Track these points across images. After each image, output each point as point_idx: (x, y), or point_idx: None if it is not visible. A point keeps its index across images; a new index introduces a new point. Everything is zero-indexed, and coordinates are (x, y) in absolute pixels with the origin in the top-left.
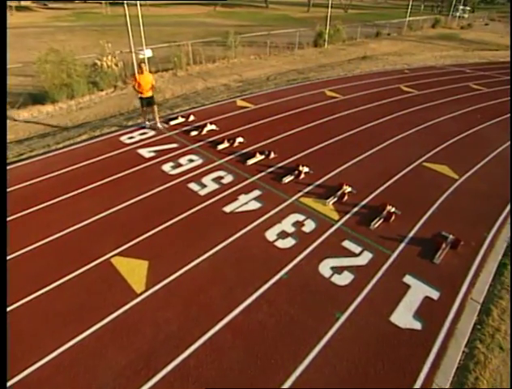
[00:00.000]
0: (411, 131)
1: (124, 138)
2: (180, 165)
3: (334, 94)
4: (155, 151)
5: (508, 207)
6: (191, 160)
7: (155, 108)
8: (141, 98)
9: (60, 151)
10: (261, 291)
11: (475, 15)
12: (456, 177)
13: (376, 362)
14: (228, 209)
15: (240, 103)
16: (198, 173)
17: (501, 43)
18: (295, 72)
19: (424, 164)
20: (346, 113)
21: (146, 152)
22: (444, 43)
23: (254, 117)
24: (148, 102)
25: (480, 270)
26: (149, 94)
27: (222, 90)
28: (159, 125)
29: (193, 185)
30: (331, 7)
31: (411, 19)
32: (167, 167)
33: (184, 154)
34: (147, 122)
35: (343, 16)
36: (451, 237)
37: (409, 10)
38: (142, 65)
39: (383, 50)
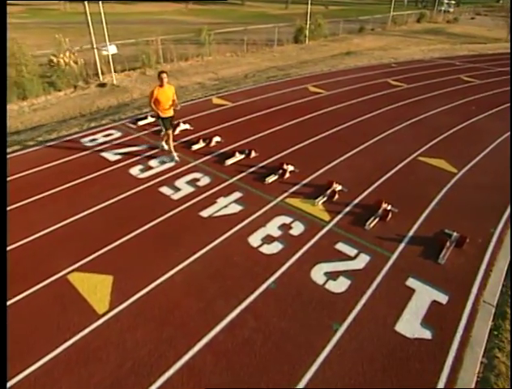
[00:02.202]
0: (402, 125)
1: (85, 141)
2: (150, 168)
3: (318, 90)
4: (121, 154)
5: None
6: (163, 162)
7: (170, 132)
8: (161, 118)
9: (7, 156)
10: (246, 303)
11: (460, 10)
12: (455, 170)
13: (383, 379)
14: (205, 214)
15: (216, 101)
16: (170, 176)
17: (490, 36)
18: (275, 69)
19: (420, 158)
20: (331, 108)
21: (111, 155)
22: (431, 37)
23: (232, 115)
24: (170, 122)
25: (490, 269)
26: (170, 113)
27: (196, 88)
28: (173, 153)
29: (165, 189)
30: (311, 4)
31: (395, 14)
32: (135, 170)
33: (154, 156)
34: (175, 155)
35: (324, 12)
36: (455, 234)
37: (392, 4)
38: (163, 75)
39: (367, 45)
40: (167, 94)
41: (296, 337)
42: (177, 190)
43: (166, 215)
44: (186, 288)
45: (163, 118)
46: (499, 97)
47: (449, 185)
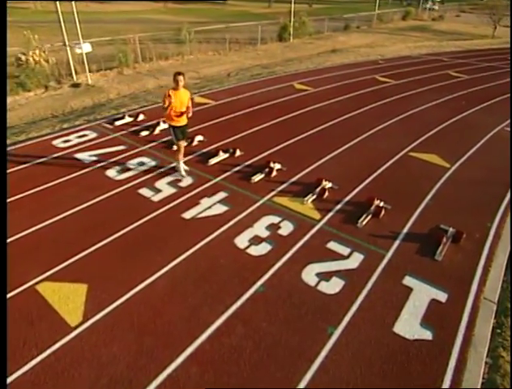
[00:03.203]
0: (392, 121)
1: (57, 142)
2: (128, 169)
3: (304, 87)
4: (97, 155)
5: (509, 194)
6: (142, 163)
7: (182, 143)
8: (173, 127)
9: None
10: (233, 309)
11: (445, 7)
12: (447, 165)
13: (383, 384)
14: (188, 215)
15: (198, 99)
16: (150, 177)
17: (476, 33)
18: (259, 67)
19: (411, 153)
20: (318, 105)
21: (86, 157)
22: (417, 34)
23: (215, 113)
24: (183, 132)
25: (489, 264)
26: (183, 121)
27: None
28: (183, 167)
29: (144, 191)
30: (294, 2)
31: (380, 12)
32: (112, 172)
33: (133, 156)
34: (183, 170)
35: (308, 11)
36: (451, 229)
37: (377, 2)
38: (180, 77)
39: (353, 43)
40: (182, 98)
41: (288, 343)
42: (158, 191)
43: (146, 218)
44: (169, 295)
45: (174, 127)
46: (488, 92)
47: (442, 180)
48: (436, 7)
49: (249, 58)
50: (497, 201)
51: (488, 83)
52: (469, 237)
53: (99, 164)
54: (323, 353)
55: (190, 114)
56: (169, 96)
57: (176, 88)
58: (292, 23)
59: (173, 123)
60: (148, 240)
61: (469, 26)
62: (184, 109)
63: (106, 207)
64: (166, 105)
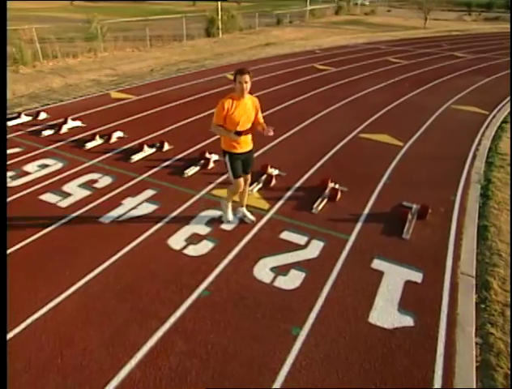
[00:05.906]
0: (337, 106)
1: None
2: (26, 174)
3: None
4: None
5: (467, 167)
6: (45, 166)
7: (248, 177)
8: (234, 155)
9: None
10: (170, 322)
11: (376, 3)
12: (400, 143)
13: (366, 385)
14: (106, 220)
15: (115, 95)
16: (56, 180)
17: (407, 25)
18: (187, 62)
19: (361, 135)
20: (256, 94)
21: None
22: (351, 27)
23: (137, 108)
24: (248, 161)
25: (459, 238)
26: (249, 144)
27: (89, 85)
28: (246, 213)
29: (48, 197)
30: (222, 0)
31: (311, 7)
32: None
33: (32, 159)
34: (231, 213)
35: (237, 8)
36: (415, 206)
37: None
38: (244, 77)
39: (288, 37)
40: (248, 111)
41: (244, 354)
42: (67, 195)
43: (50, 228)
44: (83, 317)
45: (237, 155)
46: (427, 75)
47: (397, 159)
48: (367, 2)
49: (175, 54)
50: (455, 174)
51: (427, 67)
52: (434, 212)
53: None
54: (290, 360)
55: (271, 133)
56: (223, 108)
57: (238, 97)
58: (220, 17)
59: (234, 150)
60: (53, 254)
61: (400, 19)
62: (250, 126)
63: None
64: (219, 123)
